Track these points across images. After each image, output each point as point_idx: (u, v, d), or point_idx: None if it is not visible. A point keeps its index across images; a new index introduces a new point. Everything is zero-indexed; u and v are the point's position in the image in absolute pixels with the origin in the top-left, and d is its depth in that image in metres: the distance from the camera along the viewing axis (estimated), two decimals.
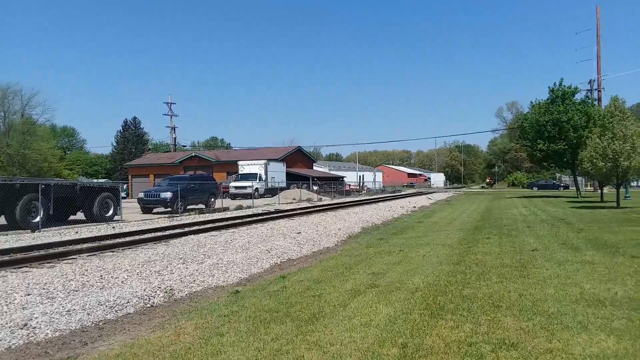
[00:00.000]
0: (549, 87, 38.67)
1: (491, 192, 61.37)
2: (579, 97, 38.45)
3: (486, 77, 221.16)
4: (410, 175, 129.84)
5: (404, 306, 5.83)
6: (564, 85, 37.87)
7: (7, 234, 14.79)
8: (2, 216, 16.32)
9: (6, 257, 9.92)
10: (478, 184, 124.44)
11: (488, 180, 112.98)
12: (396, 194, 51.29)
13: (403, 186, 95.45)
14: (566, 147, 35.82)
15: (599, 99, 42.57)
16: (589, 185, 53.67)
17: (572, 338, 4.51)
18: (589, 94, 42.77)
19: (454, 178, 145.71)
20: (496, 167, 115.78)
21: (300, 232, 15.04)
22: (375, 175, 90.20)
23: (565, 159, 37.74)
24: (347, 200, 36.64)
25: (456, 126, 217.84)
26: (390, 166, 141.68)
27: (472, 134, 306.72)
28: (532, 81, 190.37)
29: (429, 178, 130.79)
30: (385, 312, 5.62)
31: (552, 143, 36.11)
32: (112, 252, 11.09)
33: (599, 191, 32.88)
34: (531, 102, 41.31)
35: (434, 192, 62.38)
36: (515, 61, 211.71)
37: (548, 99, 38.32)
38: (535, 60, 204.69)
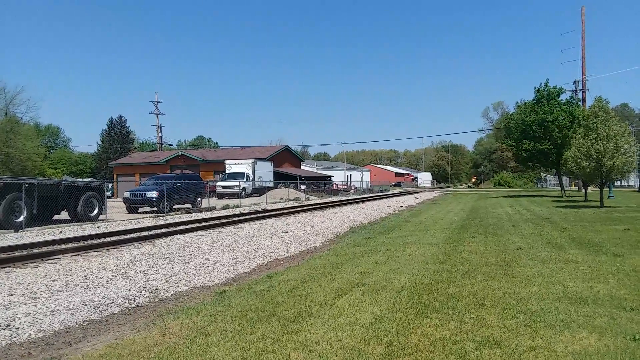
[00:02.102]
0: (534, 88, 39.10)
1: (477, 192, 61.85)
2: (564, 97, 38.95)
3: (472, 78, 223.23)
4: (397, 174, 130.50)
5: (390, 305, 5.86)
6: (549, 86, 38.29)
7: None
8: None
9: None
10: (465, 184, 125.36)
11: (474, 180, 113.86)
12: (383, 194, 51.49)
13: (390, 186, 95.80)
14: (551, 147, 36.22)
15: (584, 100, 43.10)
16: (573, 185, 54.35)
17: (554, 336, 4.56)
18: (574, 94, 43.28)
19: (441, 178, 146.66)
20: (482, 167, 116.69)
21: (287, 232, 15.02)
22: (362, 175, 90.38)
23: (550, 159, 38.14)
24: (334, 200, 36.70)
25: (443, 126, 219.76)
26: (378, 166, 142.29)
27: (459, 134, 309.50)
28: (518, 82, 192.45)
29: (416, 177, 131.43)
30: (371, 311, 5.64)
31: (537, 143, 36.48)
32: (97, 252, 10.99)
33: (583, 191, 33.30)
34: (517, 103, 41.77)
35: (421, 191, 62.75)
36: (501, 61, 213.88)
37: (533, 99, 38.72)
38: (521, 61, 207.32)
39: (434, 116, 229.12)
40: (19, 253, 10.53)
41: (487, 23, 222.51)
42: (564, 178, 41.61)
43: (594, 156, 22.16)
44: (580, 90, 44.71)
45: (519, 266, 8.13)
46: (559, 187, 42.03)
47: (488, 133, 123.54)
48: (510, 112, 51.39)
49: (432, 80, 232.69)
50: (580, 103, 40.94)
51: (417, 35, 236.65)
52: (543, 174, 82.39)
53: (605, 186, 25.60)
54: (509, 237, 12.18)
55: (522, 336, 4.56)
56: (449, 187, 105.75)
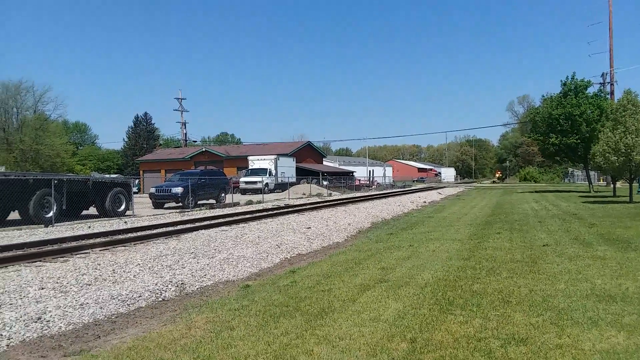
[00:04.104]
0: (561, 81, 38.29)
1: (502, 187, 60.96)
2: (591, 90, 38.03)
3: (497, 71, 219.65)
4: (420, 170, 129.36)
5: (413, 301, 5.84)
6: (577, 79, 37.44)
7: (21, 229, 15.00)
8: (16, 211, 16.55)
9: (20, 252, 10.07)
10: (489, 179, 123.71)
11: (498, 175, 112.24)
12: (406, 189, 51.14)
13: (413, 181, 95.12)
14: (579, 141, 35.42)
15: (612, 92, 41.95)
16: (601, 180, 53.15)
17: (582, 334, 4.49)
18: (602, 87, 42.20)
19: (464, 173, 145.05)
20: (507, 162, 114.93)
21: (310, 227, 15.08)
22: (385, 170, 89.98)
23: (578, 153, 37.33)
24: (356, 195, 36.64)
25: (467, 120, 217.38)
26: (400, 161, 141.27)
27: (483, 128, 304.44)
28: (544, 75, 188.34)
29: (440, 173, 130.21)
30: (395, 307, 5.63)
31: (564, 137, 35.72)
32: (124, 246, 11.21)
33: (612, 186, 32.54)
34: (543, 96, 40.98)
35: (445, 187, 62.12)
36: (526, 54, 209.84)
37: (560, 92, 37.92)
38: (547, 54, 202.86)
39: (457, 111, 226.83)
40: (49, 247, 10.81)
41: (512, 16, 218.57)
42: (591, 173, 40.69)
43: (623, 150, 21.64)
44: (609, 82, 43.48)
45: (545, 263, 8.01)
46: (587, 182, 41.14)
47: (513, 127, 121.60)
48: (536, 106, 50.34)
49: (456, 74, 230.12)
50: (609, 96, 39.91)
51: (441, 28, 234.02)
52: (570, 169, 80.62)
53: (635, 181, 24.99)
54: (535, 233, 12.00)
55: (549, 334, 4.51)
56: (473, 182, 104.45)
